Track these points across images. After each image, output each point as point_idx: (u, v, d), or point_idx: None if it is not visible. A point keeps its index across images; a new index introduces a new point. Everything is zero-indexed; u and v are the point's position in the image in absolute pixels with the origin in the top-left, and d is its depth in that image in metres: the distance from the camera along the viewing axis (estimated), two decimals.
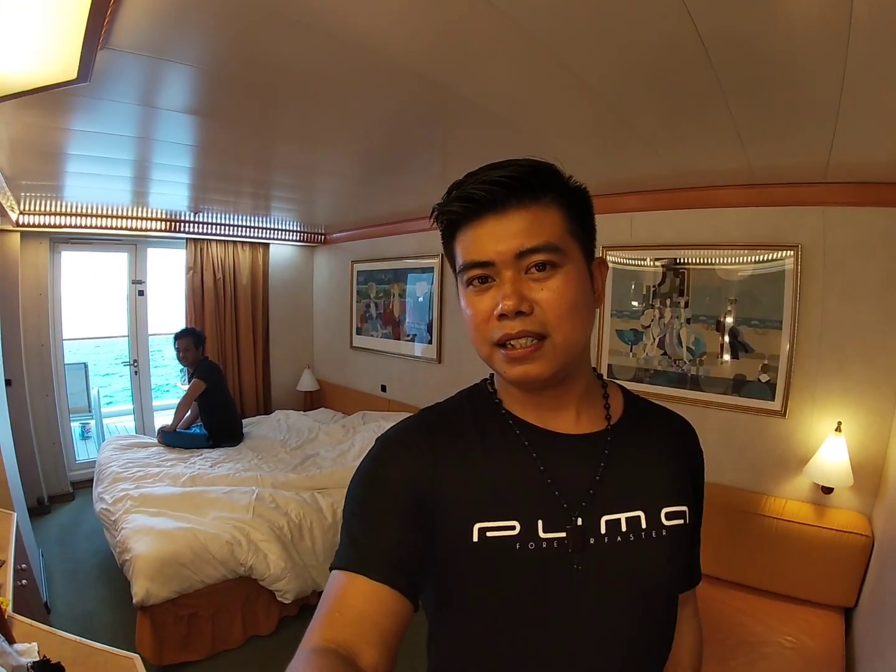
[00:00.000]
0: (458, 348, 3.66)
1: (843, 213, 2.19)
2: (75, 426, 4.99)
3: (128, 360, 4.63)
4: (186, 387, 3.94)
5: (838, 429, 2.18)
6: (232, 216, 4.21)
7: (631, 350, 2.84)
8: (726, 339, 2.51)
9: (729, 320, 2.50)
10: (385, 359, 4.33)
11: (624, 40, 1.14)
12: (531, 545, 0.66)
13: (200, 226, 4.29)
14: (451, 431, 0.72)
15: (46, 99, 1.42)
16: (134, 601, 2.20)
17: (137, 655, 1.28)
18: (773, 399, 2.39)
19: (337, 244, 4.96)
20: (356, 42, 1.20)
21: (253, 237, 4.68)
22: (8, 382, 3.53)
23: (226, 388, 4.00)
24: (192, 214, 4.00)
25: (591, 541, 0.67)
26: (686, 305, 2.63)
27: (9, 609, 1.41)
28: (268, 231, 4.67)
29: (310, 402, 5.07)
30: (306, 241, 5.02)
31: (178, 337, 3.81)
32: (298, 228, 4.80)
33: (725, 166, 2.16)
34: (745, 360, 2.46)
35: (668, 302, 2.69)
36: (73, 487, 4.15)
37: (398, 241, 4.12)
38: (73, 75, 1.19)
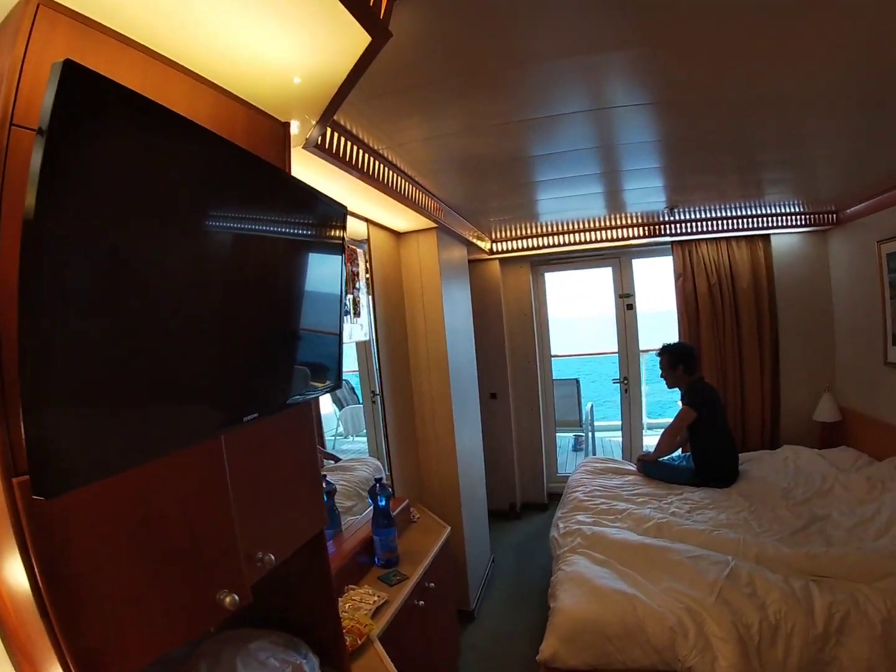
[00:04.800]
0: None
1: None
2: (567, 437, 6.17)
3: (618, 376, 5.38)
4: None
5: None
6: (717, 208, 4.32)
7: None
8: None
9: None
10: None
11: None
12: None
13: (684, 225, 4.56)
14: None
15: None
16: (538, 657, 2.40)
17: None
18: None
19: (853, 222, 4.41)
20: None
21: (747, 228, 4.64)
22: (493, 396, 4.81)
23: (722, 418, 4.05)
24: (671, 214, 4.32)
25: None
26: None
27: (372, 634, 1.75)
28: (764, 219, 4.57)
29: (828, 436, 4.59)
30: (813, 224, 4.65)
31: (659, 354, 4.18)
32: (800, 210, 4.51)
33: None
34: None
35: None
36: (549, 499, 5.08)
37: None
38: None
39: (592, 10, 1.38)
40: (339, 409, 3.23)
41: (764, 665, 2.31)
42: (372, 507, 2.56)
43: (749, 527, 3.15)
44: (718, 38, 1.55)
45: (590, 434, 6.51)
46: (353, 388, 3.28)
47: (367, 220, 2.98)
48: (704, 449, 3.98)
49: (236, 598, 1.03)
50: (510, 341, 5.05)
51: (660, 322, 5.61)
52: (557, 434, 5.80)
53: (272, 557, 1.20)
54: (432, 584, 2.54)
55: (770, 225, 4.66)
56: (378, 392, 3.08)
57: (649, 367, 5.38)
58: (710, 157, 2.90)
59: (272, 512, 1.30)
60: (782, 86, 1.92)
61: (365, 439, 3.19)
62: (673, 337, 4.77)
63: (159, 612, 0.94)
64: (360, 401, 3.21)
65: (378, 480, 2.54)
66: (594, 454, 5.93)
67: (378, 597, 2.12)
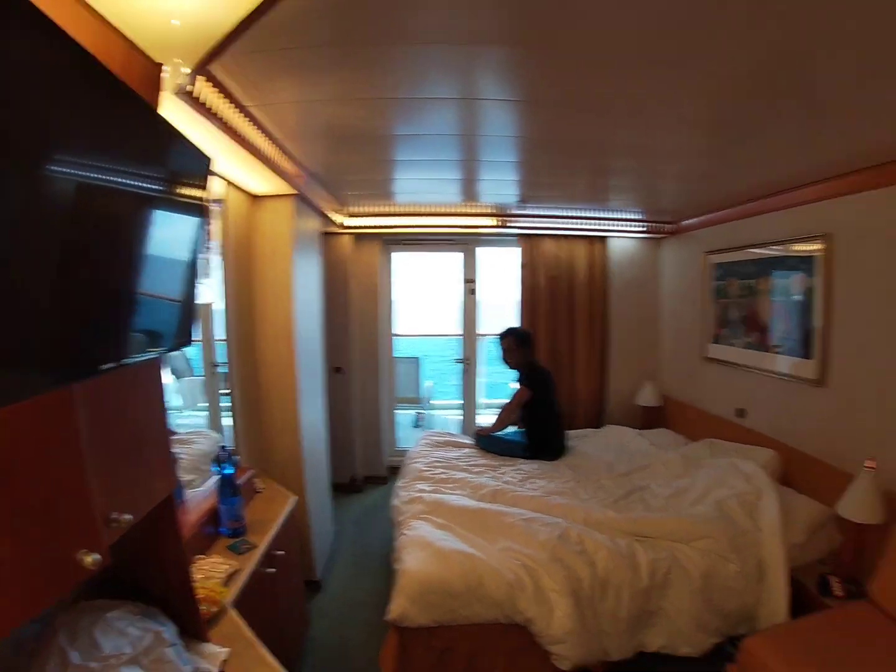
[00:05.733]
0: (852, 369, 3.22)
1: None
2: (408, 414, 6.36)
3: (459, 357, 5.62)
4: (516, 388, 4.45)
5: None
6: (565, 208, 4.62)
7: None
8: None
9: None
10: (745, 375, 4.14)
11: None
12: None
13: (533, 220, 4.82)
14: None
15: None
16: (388, 617, 2.45)
17: None
18: None
19: (687, 233, 4.94)
20: None
21: (590, 229, 5.04)
22: (338, 370, 4.86)
23: (554, 398, 4.39)
24: (522, 208, 4.55)
25: None
26: None
27: (226, 601, 1.73)
28: (606, 222, 4.94)
29: (648, 419, 5.20)
30: (650, 232, 5.13)
31: (501, 337, 4.42)
32: (641, 218, 4.94)
33: None
34: None
35: None
36: (389, 472, 5.25)
37: (766, 221, 3.88)
38: None
39: (477, 2, 1.45)
40: (177, 381, 3.08)
41: (597, 615, 2.59)
42: (214, 480, 2.50)
43: (576, 494, 3.47)
44: (589, 47, 1.68)
45: (429, 411, 6.76)
46: (188, 360, 3.15)
47: (225, 179, 2.85)
48: (537, 425, 4.32)
49: (97, 556, 0.99)
50: (356, 317, 5.11)
51: (498, 309, 5.95)
52: (398, 411, 5.99)
53: (129, 517, 1.16)
54: (281, 552, 2.54)
55: (611, 228, 5.09)
56: (218, 363, 3.00)
57: (488, 351, 5.69)
58: (566, 159, 3.11)
59: (126, 471, 1.26)
60: (642, 98, 2.11)
61: (203, 413, 3.08)
62: (510, 323, 5.03)
63: (18, 576, 0.89)
64: (197, 372, 3.09)
65: (224, 448, 2.49)
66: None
67: (229, 565, 2.09)
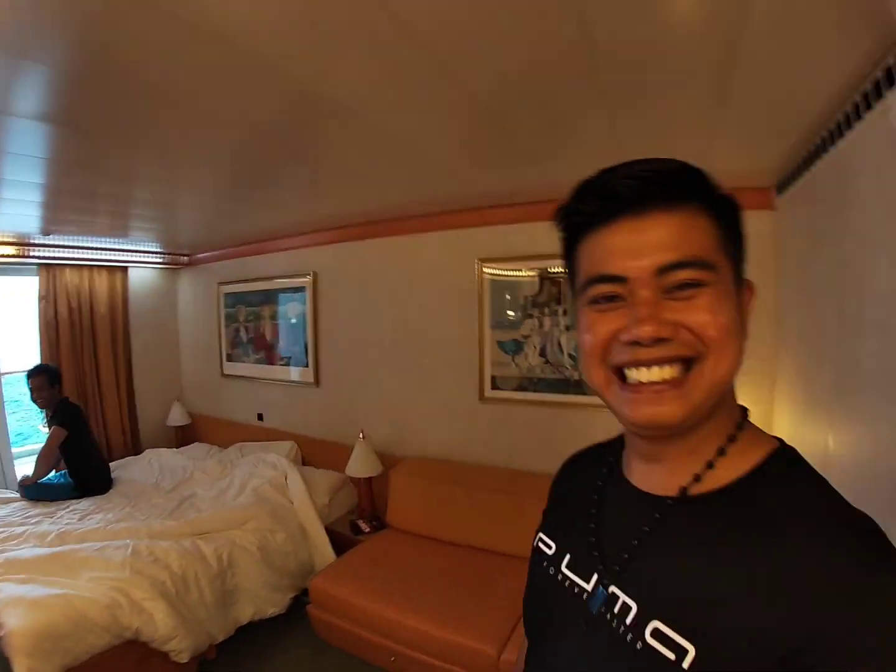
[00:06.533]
0: (337, 370, 4.40)
1: None
2: None
3: None
4: (47, 430, 4.24)
5: None
6: (87, 238, 4.62)
7: (513, 360, 3.48)
8: None
9: None
10: (260, 385, 5.03)
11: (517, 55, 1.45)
12: (552, 570, 0.79)
13: (53, 249, 4.65)
14: (586, 456, 0.95)
15: None
16: None
17: None
18: None
19: (202, 265, 5.59)
20: (222, 36, 1.35)
21: (110, 260, 5.14)
22: None
23: (90, 432, 4.38)
24: (45, 238, 4.34)
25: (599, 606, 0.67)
26: (565, 313, 3.27)
27: None
28: (126, 253, 5.15)
29: (182, 437, 5.57)
30: (169, 264, 5.60)
31: (31, 375, 4.14)
32: (160, 250, 5.33)
33: None
34: None
35: (546, 311, 3.34)
36: None
37: (268, 260, 4.83)
38: None
39: None
40: None
41: (189, 607, 2.98)
42: None
43: (135, 517, 3.72)
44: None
45: None
46: None
47: None
48: (78, 463, 4.26)
49: None
50: None
51: (21, 344, 5.50)
52: None
53: None
54: None
55: (131, 259, 5.34)
56: None
57: (9, 393, 5.18)
58: (90, 204, 3.37)
59: None
60: (163, 168, 2.61)
61: None
62: (32, 359, 4.82)
63: None
64: None
65: None
66: None
67: None
